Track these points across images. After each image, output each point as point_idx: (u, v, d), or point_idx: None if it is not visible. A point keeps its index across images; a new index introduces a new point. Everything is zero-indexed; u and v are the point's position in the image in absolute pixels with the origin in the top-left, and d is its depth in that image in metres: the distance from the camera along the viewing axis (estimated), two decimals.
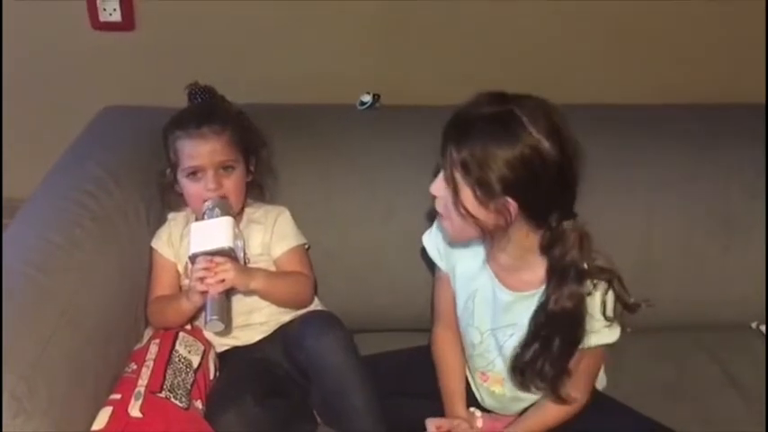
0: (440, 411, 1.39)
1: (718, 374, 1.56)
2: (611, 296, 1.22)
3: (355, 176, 1.63)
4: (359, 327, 1.56)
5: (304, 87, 1.81)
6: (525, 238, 1.22)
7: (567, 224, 1.18)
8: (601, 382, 1.43)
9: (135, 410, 1.23)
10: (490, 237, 1.22)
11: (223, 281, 1.33)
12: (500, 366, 1.36)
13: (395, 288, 1.62)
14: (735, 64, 1.87)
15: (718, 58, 1.86)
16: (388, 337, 1.59)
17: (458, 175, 1.16)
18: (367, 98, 1.76)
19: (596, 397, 1.37)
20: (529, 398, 1.36)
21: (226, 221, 1.38)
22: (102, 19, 1.76)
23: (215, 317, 1.30)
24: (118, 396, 1.26)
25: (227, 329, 1.38)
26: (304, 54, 1.83)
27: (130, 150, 1.61)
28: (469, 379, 1.44)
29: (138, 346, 1.41)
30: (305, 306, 1.50)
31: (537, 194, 1.15)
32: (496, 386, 1.39)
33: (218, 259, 1.34)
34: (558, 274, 1.20)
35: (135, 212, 1.52)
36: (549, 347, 1.23)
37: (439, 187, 1.22)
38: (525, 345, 1.26)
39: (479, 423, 1.37)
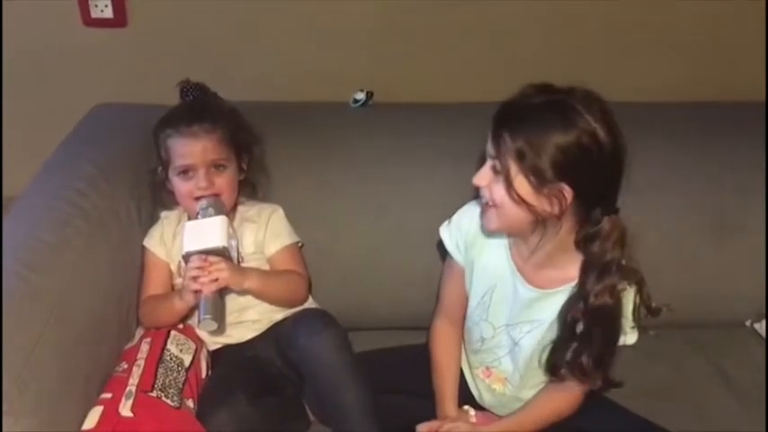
0: (433, 409, 1.39)
1: (713, 373, 1.56)
2: (637, 298, 1.24)
3: (349, 174, 1.63)
4: (353, 325, 1.55)
5: (297, 85, 1.81)
6: (567, 234, 1.22)
7: (609, 219, 1.19)
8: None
9: (126, 410, 1.22)
10: (543, 228, 1.20)
11: (217, 280, 1.32)
12: (507, 365, 1.36)
13: (389, 286, 1.62)
14: (728, 62, 1.87)
15: (712, 56, 1.86)
16: (382, 335, 1.59)
17: (511, 163, 1.15)
18: (360, 96, 1.76)
19: (590, 396, 1.36)
20: (528, 397, 1.36)
21: (220, 221, 1.37)
22: (93, 15, 1.75)
23: (208, 316, 1.30)
24: (109, 395, 1.25)
25: (220, 329, 1.37)
26: (297, 52, 1.82)
27: (122, 148, 1.60)
28: (467, 375, 1.43)
29: (130, 345, 1.40)
30: (299, 304, 1.50)
31: (592, 181, 1.16)
32: (498, 384, 1.39)
33: (212, 258, 1.34)
34: (599, 270, 1.20)
35: (126, 211, 1.51)
36: (588, 343, 1.23)
37: (483, 177, 1.21)
38: (560, 343, 1.26)
39: (472, 420, 1.37)
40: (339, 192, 1.62)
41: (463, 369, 1.44)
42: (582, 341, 1.24)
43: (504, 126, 1.17)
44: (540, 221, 1.20)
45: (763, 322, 1.64)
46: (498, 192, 1.19)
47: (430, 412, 1.38)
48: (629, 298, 1.24)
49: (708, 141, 1.67)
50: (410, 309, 1.61)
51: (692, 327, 1.65)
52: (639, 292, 1.24)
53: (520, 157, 1.14)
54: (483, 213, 1.27)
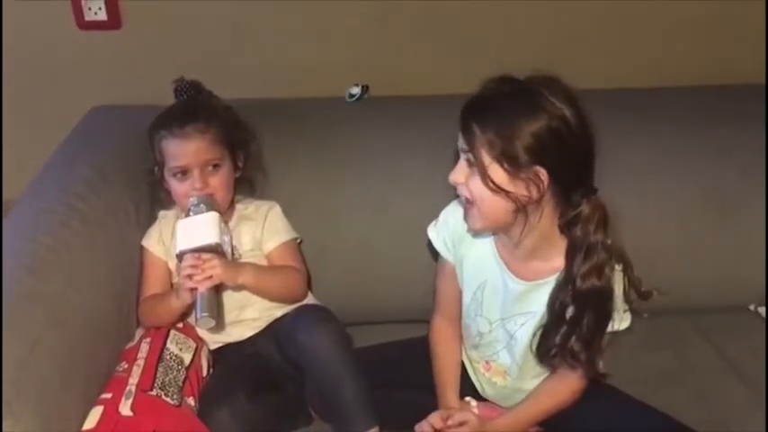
0: (434, 403, 1.38)
1: (716, 358, 1.55)
2: (625, 281, 1.24)
3: (346, 169, 1.63)
4: (354, 319, 1.56)
5: (293, 81, 1.81)
6: (549, 223, 1.22)
7: (588, 201, 1.19)
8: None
9: (126, 409, 1.22)
10: (524, 214, 1.20)
11: (211, 277, 1.32)
12: (504, 359, 1.36)
13: (389, 280, 1.62)
14: (726, 45, 1.86)
15: (710, 39, 1.85)
16: (382, 329, 1.59)
17: (484, 153, 1.16)
18: (356, 90, 1.75)
19: (596, 385, 1.35)
20: (530, 388, 1.36)
21: (211, 217, 1.37)
22: (87, 18, 1.75)
23: (205, 313, 1.30)
24: (109, 395, 1.26)
25: (218, 325, 1.38)
26: (292, 48, 1.82)
27: (119, 150, 1.61)
28: (469, 369, 1.43)
29: (130, 344, 1.40)
30: (298, 300, 1.49)
31: (565, 162, 1.16)
32: (498, 377, 1.39)
33: (205, 256, 1.34)
34: (584, 252, 1.20)
35: (124, 212, 1.51)
36: (578, 326, 1.23)
37: (459, 173, 1.22)
38: (550, 329, 1.26)
39: (475, 411, 1.37)
40: (337, 187, 1.62)
41: (465, 363, 1.44)
42: (571, 325, 1.24)
43: (473, 118, 1.17)
44: (521, 209, 1.19)
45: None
46: (476, 185, 1.19)
47: (432, 405, 1.37)
48: (617, 280, 1.24)
49: (707, 125, 1.66)
50: (410, 302, 1.61)
51: (695, 311, 1.65)
52: (627, 274, 1.24)
53: (492, 146, 1.15)
54: (466, 214, 1.27)
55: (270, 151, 1.59)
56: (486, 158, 1.16)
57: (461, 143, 1.20)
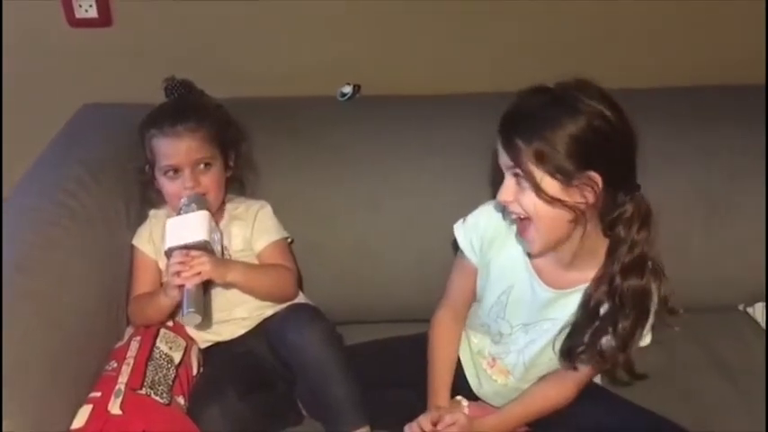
0: (425, 401, 1.38)
1: (706, 357, 1.55)
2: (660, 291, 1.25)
3: (338, 168, 1.62)
4: (345, 319, 1.56)
5: (284, 80, 1.80)
6: (594, 232, 1.21)
7: (633, 199, 1.19)
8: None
9: (115, 408, 1.22)
10: (583, 222, 1.19)
11: (199, 273, 1.32)
12: (512, 359, 1.36)
13: (381, 279, 1.61)
14: (718, 46, 1.86)
15: (698, 39, 1.85)
16: (373, 329, 1.58)
17: (532, 167, 1.15)
18: (347, 89, 1.75)
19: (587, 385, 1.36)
20: None
21: (201, 215, 1.37)
22: (78, 15, 1.74)
23: (191, 309, 1.29)
24: (98, 394, 1.25)
25: (205, 322, 1.38)
26: (283, 47, 1.81)
27: (110, 148, 1.60)
28: (468, 364, 1.43)
29: (120, 343, 1.40)
30: (289, 299, 1.49)
31: (614, 160, 1.16)
32: (500, 376, 1.39)
33: (193, 253, 1.34)
34: (627, 249, 1.20)
35: (115, 210, 1.51)
36: (612, 325, 1.23)
37: (508, 192, 1.20)
38: (579, 327, 1.26)
39: (465, 411, 1.36)
40: (328, 186, 1.62)
41: (462, 360, 1.43)
42: (603, 322, 1.24)
43: (514, 133, 1.16)
44: (580, 216, 1.18)
45: (756, 306, 1.63)
46: (528, 201, 1.18)
47: (422, 405, 1.37)
48: (655, 287, 1.24)
49: (697, 126, 1.67)
50: (402, 301, 1.61)
51: (685, 311, 1.64)
52: (660, 286, 1.24)
53: (539, 158, 1.14)
54: (521, 236, 1.25)
55: (261, 150, 1.59)
56: (537, 172, 1.15)
57: (505, 160, 1.19)
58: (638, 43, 1.86)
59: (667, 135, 1.64)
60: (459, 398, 1.39)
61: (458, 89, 1.77)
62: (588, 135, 1.13)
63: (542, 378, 1.35)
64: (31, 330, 1.20)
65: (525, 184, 1.17)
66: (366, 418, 1.32)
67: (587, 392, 1.35)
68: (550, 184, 1.15)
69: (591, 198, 1.16)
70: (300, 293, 1.54)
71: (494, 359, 1.39)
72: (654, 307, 1.25)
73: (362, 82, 1.77)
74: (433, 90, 1.76)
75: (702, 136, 1.64)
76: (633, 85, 1.79)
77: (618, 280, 1.21)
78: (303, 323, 1.36)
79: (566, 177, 1.15)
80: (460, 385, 1.41)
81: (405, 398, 1.41)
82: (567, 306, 1.28)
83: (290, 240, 1.54)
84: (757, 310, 1.63)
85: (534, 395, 1.35)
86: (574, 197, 1.16)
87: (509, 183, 1.20)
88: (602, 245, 1.24)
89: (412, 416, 1.34)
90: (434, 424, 1.31)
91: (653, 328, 1.29)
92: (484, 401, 1.42)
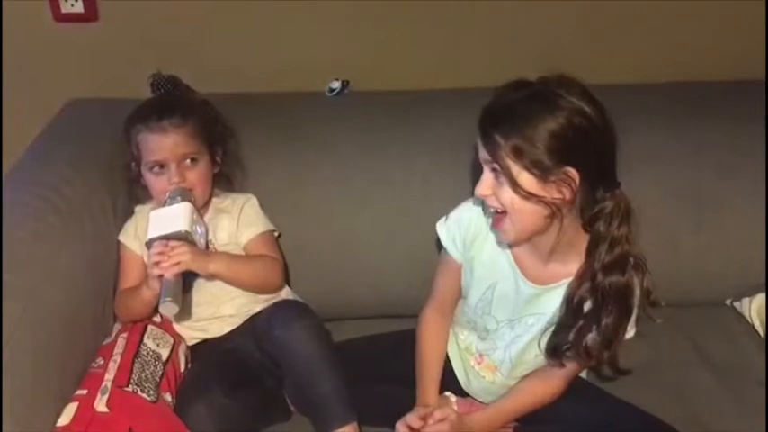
0: (415, 398, 1.38)
1: (693, 352, 1.55)
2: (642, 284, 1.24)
3: (326, 164, 1.62)
4: (333, 315, 1.56)
5: (272, 76, 1.80)
6: (571, 224, 1.21)
7: (613, 195, 1.19)
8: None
9: (101, 405, 1.22)
10: (559, 217, 1.20)
11: (178, 263, 1.31)
12: (499, 355, 1.36)
13: (369, 275, 1.61)
14: (705, 42, 1.86)
15: (689, 35, 1.86)
16: (361, 325, 1.59)
17: (510, 162, 1.15)
18: (336, 84, 1.75)
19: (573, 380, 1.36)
20: None
21: (184, 207, 1.36)
22: (63, 10, 1.73)
23: (168, 298, 1.28)
24: (84, 391, 1.25)
25: (184, 314, 1.37)
26: (271, 42, 1.81)
27: (96, 143, 1.59)
28: (456, 361, 1.43)
29: (107, 340, 1.39)
30: (274, 290, 1.49)
31: (592, 157, 1.16)
32: (488, 372, 1.39)
33: (172, 243, 1.33)
34: (607, 245, 1.20)
35: (101, 206, 1.50)
36: (596, 322, 1.24)
37: (485, 186, 1.20)
38: (564, 325, 1.26)
39: (454, 407, 1.37)
40: (317, 182, 1.61)
41: (450, 356, 1.43)
42: (588, 320, 1.24)
43: (493, 128, 1.16)
44: (557, 212, 1.18)
45: (744, 301, 1.64)
46: (505, 195, 1.18)
47: (410, 400, 1.37)
48: (636, 281, 1.24)
49: (685, 121, 1.67)
50: (390, 297, 1.61)
51: (672, 306, 1.64)
52: (643, 279, 1.24)
53: (517, 153, 1.14)
54: (496, 227, 1.26)
55: (248, 146, 1.58)
56: (514, 167, 1.15)
57: (483, 154, 1.19)
58: (628, 39, 1.86)
59: (656, 131, 1.64)
60: (447, 394, 1.39)
61: (447, 85, 1.77)
62: (567, 131, 1.13)
63: (530, 374, 1.36)
64: (17, 327, 1.19)
65: (503, 179, 1.17)
66: (353, 414, 1.31)
67: (575, 389, 1.35)
68: (527, 180, 1.15)
69: (568, 194, 1.17)
70: (288, 289, 1.53)
71: (481, 355, 1.39)
72: (637, 301, 1.26)
73: (351, 77, 1.77)
74: (422, 85, 1.76)
75: (691, 132, 1.65)
76: (623, 81, 1.80)
77: (600, 277, 1.21)
78: (290, 319, 1.36)
79: (543, 173, 1.15)
80: (449, 381, 1.41)
81: (392, 393, 1.40)
82: (551, 301, 1.28)
83: (277, 234, 1.54)
84: (744, 305, 1.63)
85: (522, 391, 1.35)
86: (551, 193, 1.16)
87: (487, 177, 1.20)
88: (582, 239, 1.24)
89: (399, 411, 1.34)
90: (423, 420, 1.31)
91: (637, 320, 1.29)
92: (473, 398, 1.42)
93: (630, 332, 1.29)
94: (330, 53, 1.81)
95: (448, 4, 1.79)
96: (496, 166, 1.17)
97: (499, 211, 1.21)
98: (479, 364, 1.40)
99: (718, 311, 1.66)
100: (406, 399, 1.37)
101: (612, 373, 1.35)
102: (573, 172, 1.15)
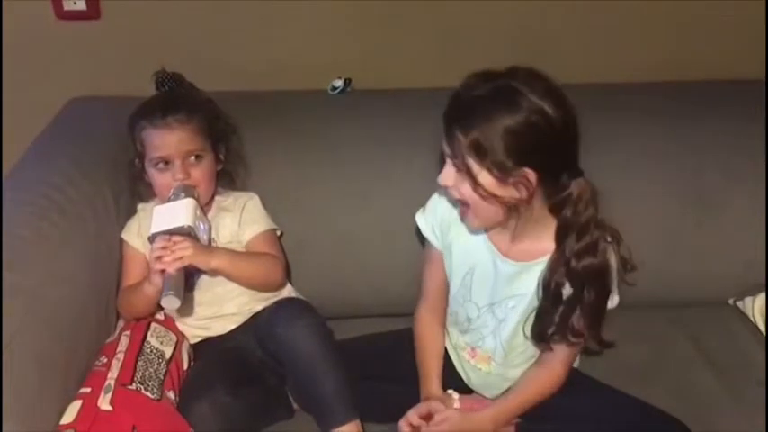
0: (416, 395, 1.38)
1: (696, 352, 1.56)
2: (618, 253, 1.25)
3: (328, 162, 1.62)
4: (335, 313, 1.56)
5: (275, 73, 1.79)
6: (539, 206, 1.23)
7: (577, 181, 1.19)
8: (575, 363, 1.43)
9: (105, 403, 1.21)
10: (516, 212, 1.21)
11: (181, 258, 1.31)
12: (489, 344, 1.36)
13: (370, 274, 1.62)
14: (705, 41, 1.86)
15: (690, 35, 1.86)
16: (363, 323, 1.58)
17: (470, 160, 1.16)
18: (338, 83, 1.75)
19: (573, 376, 1.37)
20: (515, 377, 1.37)
21: (187, 203, 1.37)
22: (66, 8, 1.73)
23: (171, 292, 1.28)
24: (87, 389, 1.25)
25: (186, 309, 1.37)
26: (274, 40, 1.80)
27: (99, 141, 1.59)
28: (454, 358, 1.43)
29: (110, 338, 1.39)
30: (276, 288, 1.49)
31: (551, 157, 1.16)
32: (483, 364, 1.39)
33: (175, 238, 1.33)
34: (577, 231, 1.21)
35: (104, 204, 1.50)
36: (578, 305, 1.24)
37: (448, 176, 1.21)
38: (546, 310, 1.27)
39: (456, 405, 1.37)
40: (319, 180, 1.61)
41: (450, 354, 1.44)
42: (569, 304, 1.24)
43: (455, 123, 1.17)
44: (513, 208, 1.20)
45: (746, 300, 1.64)
46: (466, 189, 1.20)
47: (412, 398, 1.37)
48: (612, 253, 1.24)
49: (687, 121, 1.67)
50: (392, 296, 1.61)
51: (675, 306, 1.66)
52: (619, 245, 1.24)
53: (477, 151, 1.15)
54: (461, 214, 1.28)
55: (251, 144, 1.58)
56: (474, 166, 1.16)
57: (446, 149, 1.20)
58: (628, 39, 1.86)
59: (656, 131, 1.65)
60: (450, 391, 1.39)
61: (450, 83, 1.76)
62: (525, 131, 1.13)
63: (529, 367, 1.36)
64: (20, 325, 1.18)
65: (464, 174, 1.18)
66: (356, 412, 1.32)
67: (577, 383, 1.36)
68: (487, 180, 1.17)
69: (524, 194, 1.18)
70: (291, 287, 1.53)
71: (473, 348, 1.39)
72: (615, 273, 1.26)
73: (354, 75, 1.76)
74: (424, 84, 1.76)
75: (691, 132, 1.65)
76: (623, 80, 1.80)
77: (573, 263, 1.22)
78: (293, 317, 1.36)
79: (502, 174, 1.16)
80: (452, 379, 1.42)
81: (394, 391, 1.41)
82: (529, 281, 1.28)
83: (279, 233, 1.54)
84: (747, 305, 1.63)
85: (526, 382, 1.35)
86: (509, 192, 1.18)
87: (449, 169, 1.21)
88: (551, 218, 1.24)
89: (401, 409, 1.34)
90: (423, 417, 1.32)
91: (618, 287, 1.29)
92: (478, 394, 1.42)
93: (614, 300, 1.29)
94: (332, 51, 1.81)
95: (450, 2, 1.79)
96: (457, 162, 1.18)
97: (462, 202, 1.22)
98: (473, 357, 1.40)
99: (721, 311, 1.66)
100: (407, 396, 1.37)
101: (597, 347, 1.34)
102: (531, 174, 1.16)
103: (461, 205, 1.25)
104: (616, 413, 1.31)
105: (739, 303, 1.65)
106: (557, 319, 1.26)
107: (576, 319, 1.26)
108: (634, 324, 1.57)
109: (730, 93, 1.74)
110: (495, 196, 1.18)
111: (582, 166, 1.44)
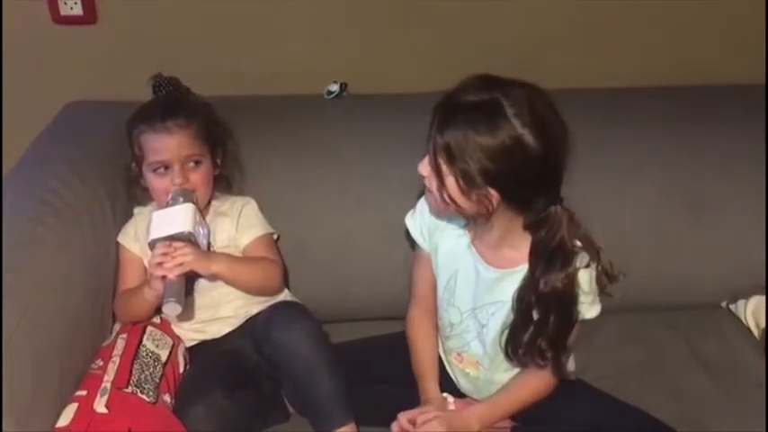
0: (414, 398, 1.38)
1: (689, 355, 1.56)
2: (599, 268, 1.25)
3: (324, 166, 1.63)
4: (332, 317, 1.56)
5: (270, 79, 1.80)
6: (509, 222, 1.23)
7: (554, 208, 1.19)
8: (570, 365, 1.43)
9: (100, 406, 1.22)
10: (472, 221, 1.24)
11: (182, 264, 1.32)
12: (476, 349, 1.37)
13: (367, 277, 1.62)
14: (704, 46, 1.87)
15: (688, 39, 1.87)
16: (360, 327, 1.59)
17: (441, 162, 1.17)
18: (334, 87, 1.75)
19: (570, 382, 1.37)
20: (503, 381, 1.37)
21: (187, 207, 1.37)
22: (62, 13, 1.73)
23: (172, 299, 1.28)
24: (83, 392, 1.25)
25: (186, 314, 1.38)
26: (269, 45, 1.81)
27: (95, 145, 1.60)
28: (444, 362, 1.44)
29: (106, 342, 1.39)
30: (274, 292, 1.49)
31: (519, 185, 1.16)
32: (471, 368, 1.40)
33: (176, 244, 1.33)
34: (547, 257, 1.21)
35: (100, 208, 1.50)
36: (545, 327, 1.24)
37: (425, 166, 1.22)
38: (518, 327, 1.27)
39: (451, 408, 1.37)
40: (315, 184, 1.62)
41: (442, 358, 1.44)
42: (537, 326, 1.25)
43: (437, 120, 1.18)
44: (469, 218, 1.23)
45: (739, 303, 1.64)
46: (435, 185, 1.21)
47: (409, 401, 1.37)
48: (585, 277, 1.24)
49: (683, 125, 1.68)
50: (389, 299, 1.61)
51: (668, 309, 1.66)
52: (598, 262, 1.24)
53: (448, 155, 1.15)
54: (426, 198, 1.30)
55: (247, 149, 1.59)
56: (444, 168, 1.17)
57: (428, 143, 1.21)
58: (627, 43, 1.87)
59: (655, 134, 1.66)
60: (445, 395, 1.40)
61: (446, 87, 1.77)
62: (498, 155, 1.12)
63: (520, 371, 1.36)
64: (17, 328, 1.19)
65: (434, 173, 1.20)
66: (351, 415, 1.32)
67: (572, 389, 1.36)
68: (452, 186, 1.18)
69: (484, 211, 1.19)
70: (287, 291, 1.54)
71: (459, 354, 1.40)
72: (584, 295, 1.25)
73: (349, 80, 1.77)
74: (420, 88, 1.76)
75: (690, 135, 1.66)
76: (622, 84, 1.81)
77: (541, 285, 1.22)
78: (288, 321, 1.36)
79: (468, 186, 1.16)
80: (447, 384, 1.42)
81: (390, 394, 1.41)
82: (510, 287, 1.28)
83: (275, 237, 1.54)
84: (740, 307, 1.64)
85: (517, 384, 1.35)
86: (469, 205, 1.19)
87: (427, 159, 1.22)
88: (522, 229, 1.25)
89: (397, 412, 1.33)
90: (412, 422, 1.31)
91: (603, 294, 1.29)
92: (471, 398, 1.42)
93: (593, 312, 1.28)
94: (328, 56, 1.82)
95: (446, 7, 1.80)
96: (431, 158, 1.19)
97: (430, 191, 1.23)
98: (461, 362, 1.40)
99: (714, 313, 1.67)
100: (403, 399, 1.37)
101: (558, 376, 1.32)
102: (495, 196, 1.16)
103: (427, 191, 1.26)
104: (613, 420, 1.31)
105: (732, 306, 1.66)
106: (526, 338, 1.26)
107: (543, 342, 1.26)
108: (629, 326, 1.59)
109: (728, 96, 1.75)
110: (455, 204, 1.19)
111: (580, 169, 1.46)
